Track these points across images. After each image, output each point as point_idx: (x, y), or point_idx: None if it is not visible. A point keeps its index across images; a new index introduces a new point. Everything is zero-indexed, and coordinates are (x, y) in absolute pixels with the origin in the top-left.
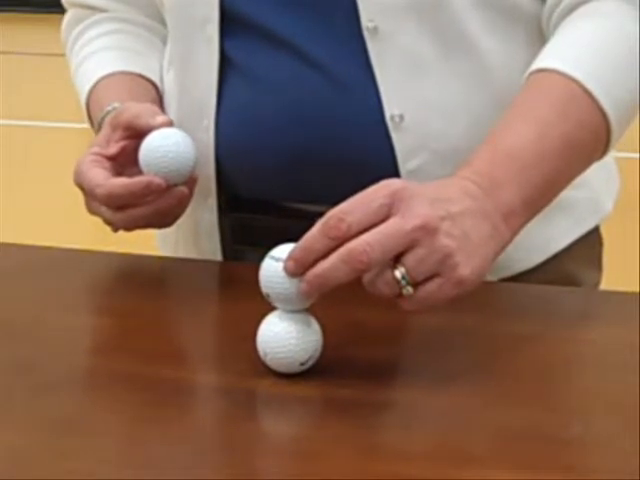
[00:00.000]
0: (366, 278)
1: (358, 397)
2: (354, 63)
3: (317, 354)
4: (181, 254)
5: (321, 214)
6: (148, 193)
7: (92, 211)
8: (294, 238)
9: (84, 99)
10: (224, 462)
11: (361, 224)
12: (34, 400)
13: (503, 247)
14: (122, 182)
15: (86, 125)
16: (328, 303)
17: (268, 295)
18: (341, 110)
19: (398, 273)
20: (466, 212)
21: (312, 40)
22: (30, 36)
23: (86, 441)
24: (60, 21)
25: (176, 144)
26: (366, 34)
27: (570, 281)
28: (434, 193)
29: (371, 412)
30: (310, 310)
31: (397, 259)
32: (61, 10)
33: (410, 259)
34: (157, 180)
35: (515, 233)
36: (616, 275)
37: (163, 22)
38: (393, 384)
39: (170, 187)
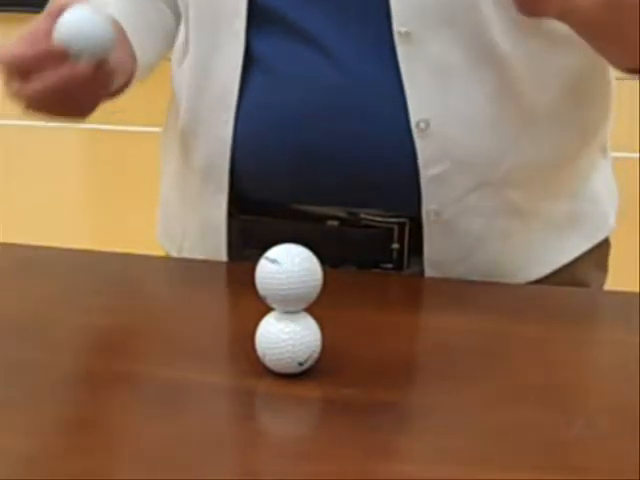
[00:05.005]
0: None
1: (358, 397)
2: (381, 66)
3: (316, 354)
4: (185, 253)
5: (332, 217)
6: (49, 57)
7: (9, 91)
8: (303, 241)
9: None
10: (224, 462)
11: None
12: (35, 400)
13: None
14: (24, 43)
15: (86, 125)
16: (328, 303)
17: (265, 297)
18: (365, 112)
19: None
20: None
21: (341, 40)
22: None
23: (86, 441)
24: None
25: (91, 20)
26: (397, 38)
27: (578, 285)
28: None
29: (371, 412)
30: (309, 310)
31: None
32: None
33: None
34: (60, 47)
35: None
36: (616, 275)
37: (174, 10)
38: (393, 384)
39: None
